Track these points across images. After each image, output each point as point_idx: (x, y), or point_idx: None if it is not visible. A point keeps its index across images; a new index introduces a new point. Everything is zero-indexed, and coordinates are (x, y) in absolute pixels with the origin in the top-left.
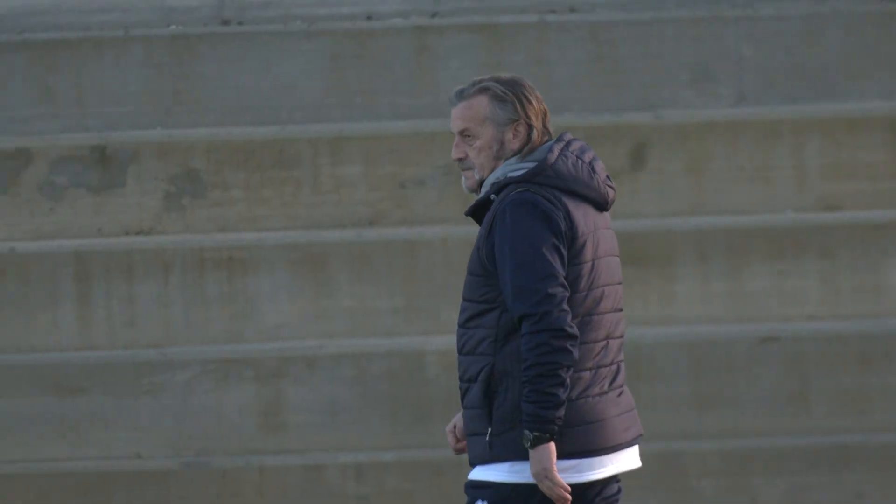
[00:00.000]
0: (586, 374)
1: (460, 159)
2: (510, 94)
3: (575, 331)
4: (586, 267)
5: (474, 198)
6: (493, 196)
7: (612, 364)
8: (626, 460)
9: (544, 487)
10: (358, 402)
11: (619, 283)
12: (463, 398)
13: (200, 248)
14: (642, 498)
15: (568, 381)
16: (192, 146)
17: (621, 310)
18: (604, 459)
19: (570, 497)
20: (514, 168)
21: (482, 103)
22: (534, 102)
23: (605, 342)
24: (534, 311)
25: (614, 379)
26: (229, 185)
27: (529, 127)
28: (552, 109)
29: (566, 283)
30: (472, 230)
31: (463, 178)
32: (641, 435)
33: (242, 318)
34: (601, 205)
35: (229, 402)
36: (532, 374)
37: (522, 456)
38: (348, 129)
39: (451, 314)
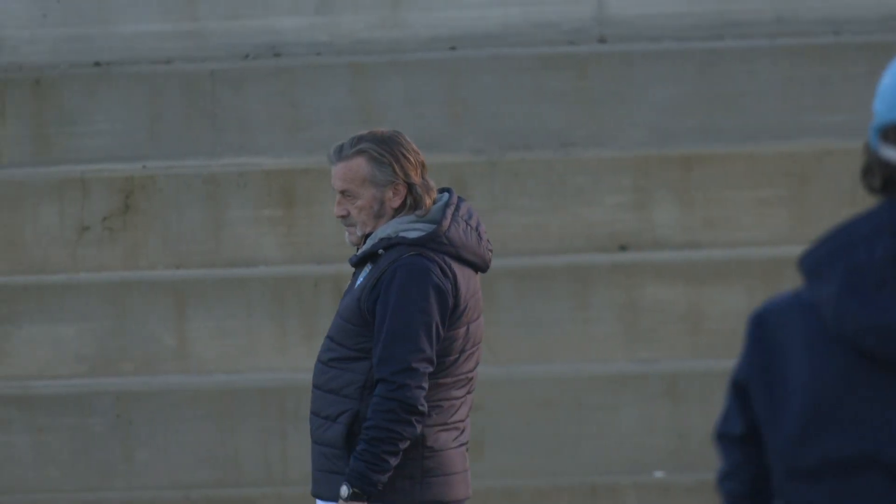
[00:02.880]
0: (450, 427)
1: (343, 216)
2: (387, 156)
3: (425, 409)
4: (462, 331)
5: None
6: (381, 251)
7: (466, 419)
8: None
9: None
10: None
11: (481, 342)
12: (318, 432)
13: None
14: None
15: (401, 453)
16: None
17: (476, 366)
18: None
19: None
20: (407, 228)
21: (361, 165)
22: (411, 159)
23: (464, 398)
24: (393, 379)
25: (465, 434)
26: None
27: (409, 185)
28: None
29: (433, 359)
30: None
31: (346, 233)
32: (469, 497)
33: None
34: (482, 268)
35: None
36: (371, 436)
37: (379, 498)
38: None
39: None
